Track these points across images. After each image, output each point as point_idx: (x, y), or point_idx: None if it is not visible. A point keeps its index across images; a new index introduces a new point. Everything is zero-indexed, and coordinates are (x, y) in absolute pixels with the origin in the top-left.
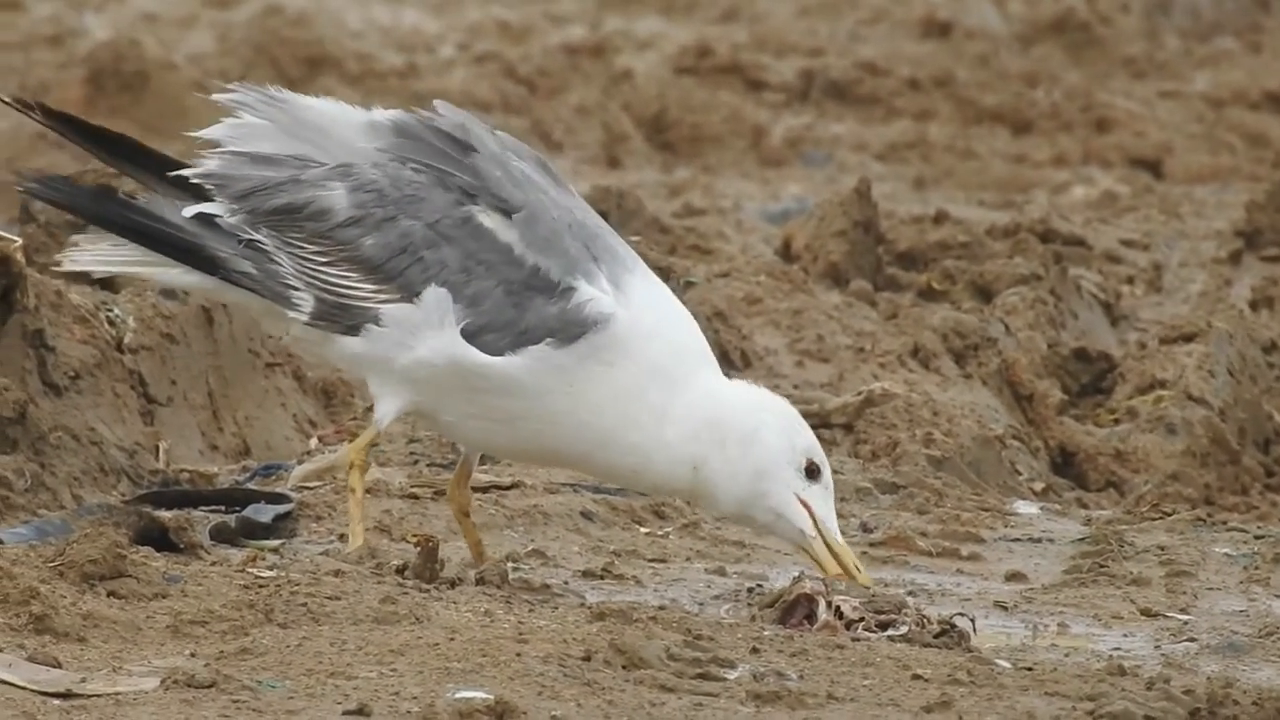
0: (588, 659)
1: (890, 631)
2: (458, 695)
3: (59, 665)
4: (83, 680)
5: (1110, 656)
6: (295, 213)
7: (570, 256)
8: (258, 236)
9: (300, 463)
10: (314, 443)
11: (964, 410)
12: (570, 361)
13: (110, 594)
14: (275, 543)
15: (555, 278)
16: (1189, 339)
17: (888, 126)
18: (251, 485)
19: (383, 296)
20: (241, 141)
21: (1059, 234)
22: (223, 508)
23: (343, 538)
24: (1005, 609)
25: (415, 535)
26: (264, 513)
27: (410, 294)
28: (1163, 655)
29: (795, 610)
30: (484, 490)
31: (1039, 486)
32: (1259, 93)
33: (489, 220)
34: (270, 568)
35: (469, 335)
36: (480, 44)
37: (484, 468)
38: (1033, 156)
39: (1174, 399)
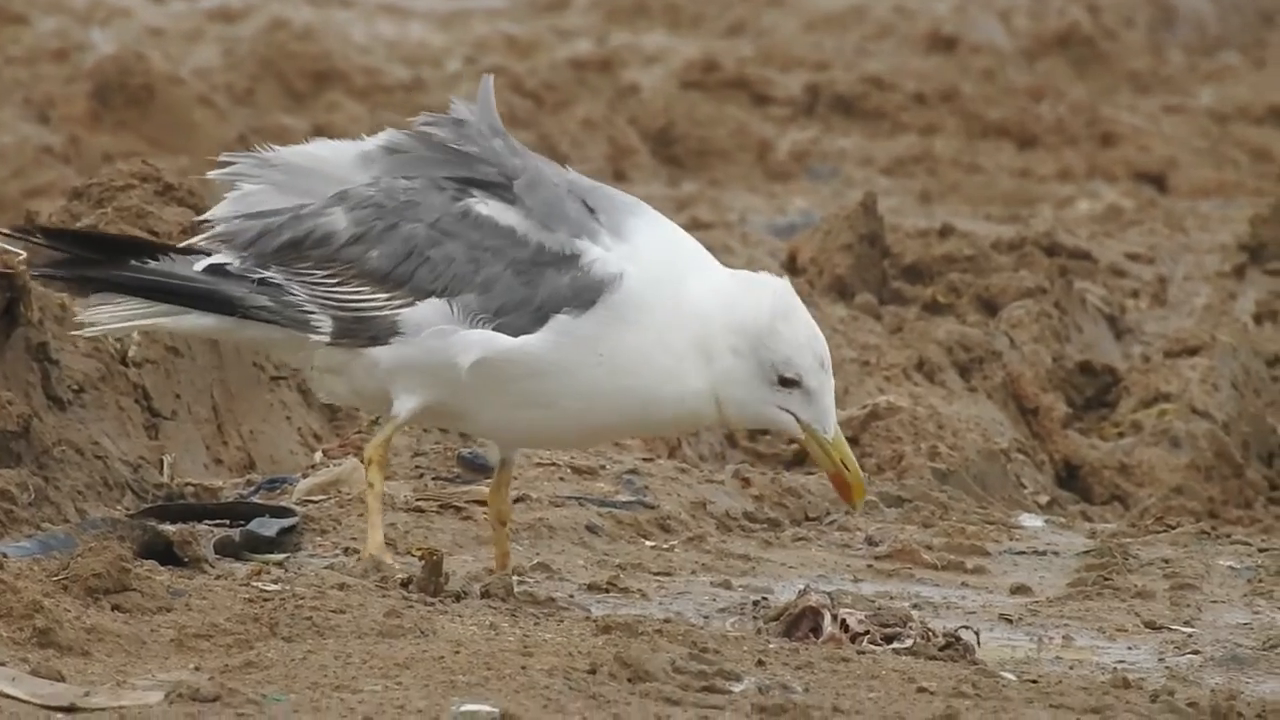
0: (593, 672)
1: (895, 644)
2: (463, 709)
3: (63, 679)
4: (86, 694)
5: (1115, 669)
6: (300, 244)
7: (571, 219)
8: (268, 274)
9: (305, 476)
10: (319, 457)
11: (969, 424)
12: (592, 328)
13: (114, 608)
14: (280, 556)
15: (561, 246)
16: (1193, 353)
17: (893, 141)
18: (256, 499)
19: (398, 302)
20: (245, 209)
21: (1064, 248)
22: (227, 522)
23: (348, 551)
24: (1010, 622)
25: (420, 549)
26: (268, 526)
27: (424, 295)
28: (1167, 668)
29: (801, 623)
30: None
31: (1044, 500)
32: (1263, 108)
33: (487, 208)
34: (275, 581)
35: (489, 321)
36: (487, 58)
37: (489, 481)
38: (1038, 171)
39: (1178, 413)
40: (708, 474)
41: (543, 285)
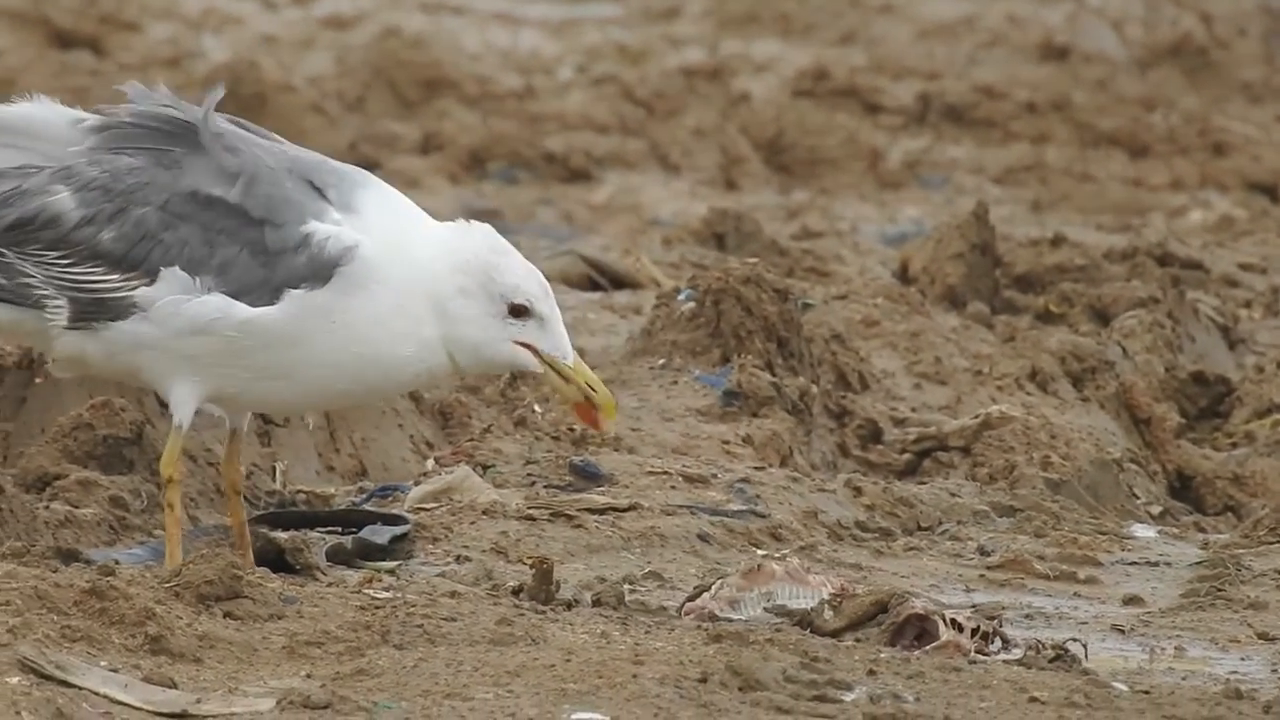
0: (704, 680)
1: (1004, 646)
2: (574, 717)
3: (174, 686)
4: (198, 701)
5: (1227, 680)
6: (28, 225)
7: (296, 202)
8: (2, 251)
9: (417, 484)
10: (430, 464)
11: (1081, 433)
12: (328, 298)
13: (226, 614)
14: (391, 564)
15: (292, 230)
16: None
17: (1005, 150)
18: (368, 506)
19: (134, 283)
20: None
21: (1176, 257)
22: (339, 529)
23: (460, 559)
24: (1122, 632)
25: (531, 557)
26: (380, 534)
27: (157, 276)
28: None
29: (905, 631)
30: (600, 512)
31: (1156, 510)
32: None
33: (218, 188)
34: (386, 589)
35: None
36: (598, 66)
37: (600, 489)
38: (1150, 180)
39: None
40: (819, 483)
41: (280, 266)
